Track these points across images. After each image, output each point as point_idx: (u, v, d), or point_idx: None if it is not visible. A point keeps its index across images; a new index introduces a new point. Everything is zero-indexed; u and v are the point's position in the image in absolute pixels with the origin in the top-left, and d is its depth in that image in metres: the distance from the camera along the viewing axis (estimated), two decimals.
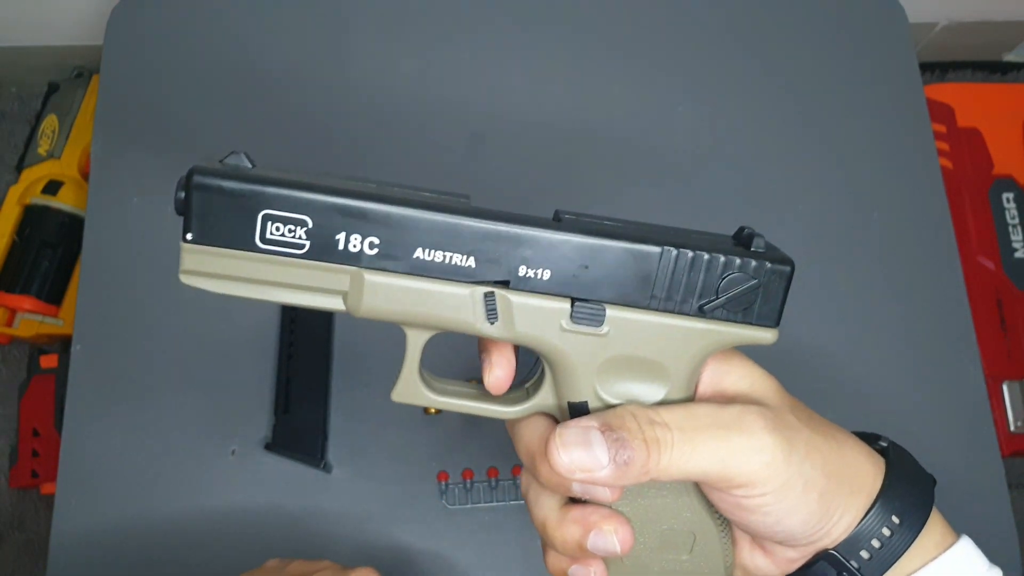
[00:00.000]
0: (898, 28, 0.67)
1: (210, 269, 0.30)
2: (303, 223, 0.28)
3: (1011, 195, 0.90)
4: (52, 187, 0.85)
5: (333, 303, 0.29)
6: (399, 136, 0.62)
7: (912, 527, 0.31)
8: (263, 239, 0.28)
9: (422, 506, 0.53)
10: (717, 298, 0.29)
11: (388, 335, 0.57)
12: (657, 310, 0.30)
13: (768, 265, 0.29)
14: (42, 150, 0.89)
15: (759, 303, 0.30)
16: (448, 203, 0.29)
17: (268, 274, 0.29)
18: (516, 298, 0.29)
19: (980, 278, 0.88)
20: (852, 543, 0.31)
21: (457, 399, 0.33)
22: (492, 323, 0.29)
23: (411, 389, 0.32)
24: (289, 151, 0.61)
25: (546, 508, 0.31)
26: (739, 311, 0.30)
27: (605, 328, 0.29)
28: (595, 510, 0.30)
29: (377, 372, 0.56)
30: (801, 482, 0.29)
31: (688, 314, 0.30)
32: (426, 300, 0.29)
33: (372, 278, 0.28)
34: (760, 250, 0.30)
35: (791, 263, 0.30)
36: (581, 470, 0.28)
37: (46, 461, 0.83)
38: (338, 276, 0.28)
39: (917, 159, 0.63)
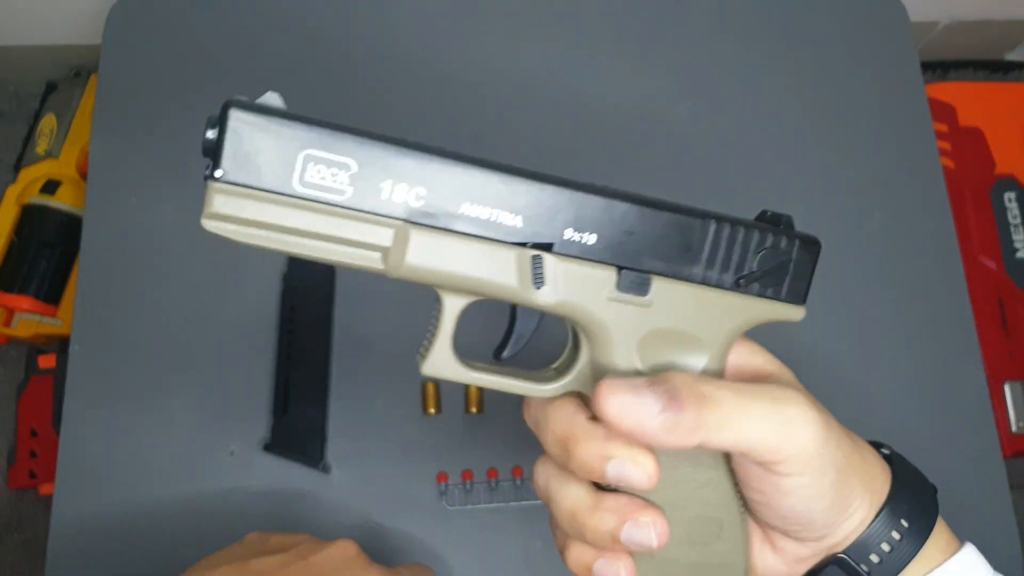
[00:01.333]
0: (900, 27, 0.67)
1: (238, 213, 0.26)
2: (347, 167, 0.26)
3: (1013, 195, 0.90)
4: (50, 186, 0.85)
5: (370, 260, 0.27)
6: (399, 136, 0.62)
7: (920, 532, 0.31)
8: (302, 181, 0.26)
9: (421, 507, 0.53)
10: (754, 272, 0.30)
11: (389, 335, 0.57)
12: (698, 282, 0.30)
13: (797, 242, 0.30)
14: (40, 149, 0.88)
15: (789, 279, 0.30)
16: (496, 161, 0.28)
17: (303, 222, 0.26)
18: (563, 263, 0.28)
19: (982, 278, 0.87)
20: (862, 546, 0.30)
21: (490, 375, 0.30)
22: (539, 288, 0.28)
23: (444, 361, 0.30)
24: None
25: (574, 496, 0.30)
26: (771, 287, 0.30)
27: (649, 298, 0.29)
28: (631, 500, 0.29)
29: (377, 373, 0.56)
30: (834, 468, 0.29)
31: (726, 288, 0.30)
32: (471, 260, 0.28)
33: (417, 233, 0.27)
34: (785, 222, 0.31)
35: (818, 241, 0.31)
36: (631, 418, 0.27)
37: (44, 461, 0.83)
38: (380, 229, 0.27)
39: (919, 158, 0.63)
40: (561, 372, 0.31)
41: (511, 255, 0.28)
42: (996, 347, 0.85)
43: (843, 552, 0.31)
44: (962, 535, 0.33)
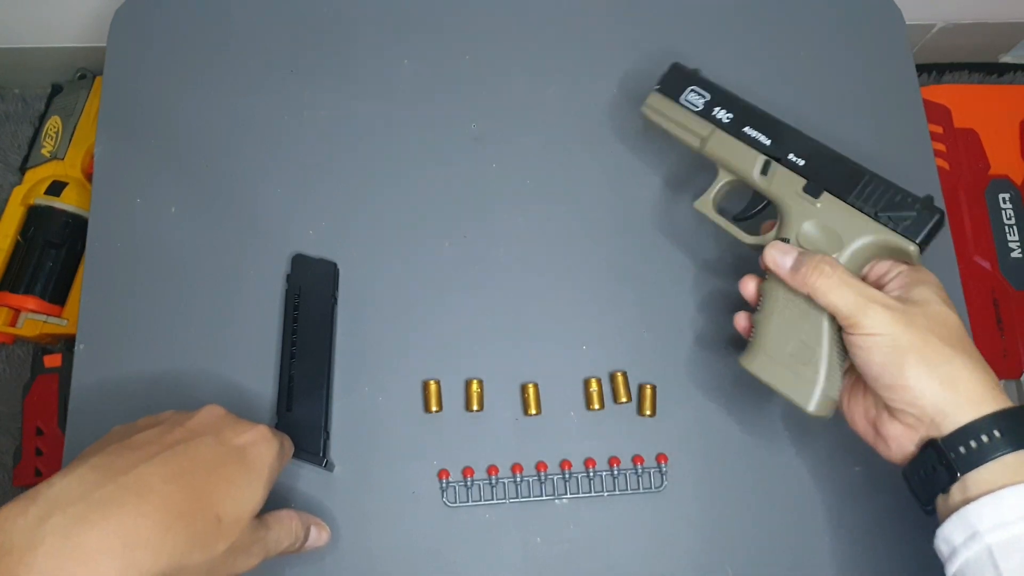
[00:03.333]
0: (895, 29, 0.68)
1: (656, 106, 0.55)
2: (703, 96, 0.54)
3: (1007, 195, 0.91)
4: (56, 188, 0.85)
5: (696, 141, 0.54)
6: (399, 136, 0.63)
7: (1012, 443, 0.41)
8: (684, 99, 0.54)
9: (422, 504, 0.54)
10: (889, 211, 0.48)
11: (390, 334, 0.58)
12: (851, 205, 0.49)
13: (919, 206, 0.48)
14: (46, 151, 0.89)
15: (908, 223, 0.48)
16: (766, 112, 0.53)
17: (676, 115, 0.54)
18: (781, 169, 0.51)
19: (976, 278, 0.88)
20: (957, 437, 0.42)
21: (731, 223, 0.54)
22: (763, 175, 0.51)
23: (706, 206, 0.55)
24: (290, 151, 0.62)
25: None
26: (897, 223, 0.48)
27: (819, 204, 0.50)
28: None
29: (379, 371, 0.57)
30: (913, 351, 0.43)
31: (867, 214, 0.48)
32: (739, 153, 0.52)
33: (720, 132, 0.53)
34: (924, 196, 0.48)
35: (938, 209, 0.48)
36: (773, 262, 0.49)
37: (50, 460, 0.84)
38: (706, 126, 0.53)
39: (914, 160, 0.64)
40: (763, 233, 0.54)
41: (759, 158, 0.52)
42: (991, 346, 0.85)
43: (940, 439, 0.42)
44: None
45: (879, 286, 0.48)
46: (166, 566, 0.37)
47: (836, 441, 0.55)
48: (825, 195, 0.49)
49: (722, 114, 0.52)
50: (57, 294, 0.85)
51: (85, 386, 0.56)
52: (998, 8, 0.97)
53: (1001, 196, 0.91)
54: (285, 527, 0.46)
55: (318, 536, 0.49)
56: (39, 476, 0.84)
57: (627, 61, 0.66)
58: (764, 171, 0.51)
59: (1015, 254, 0.89)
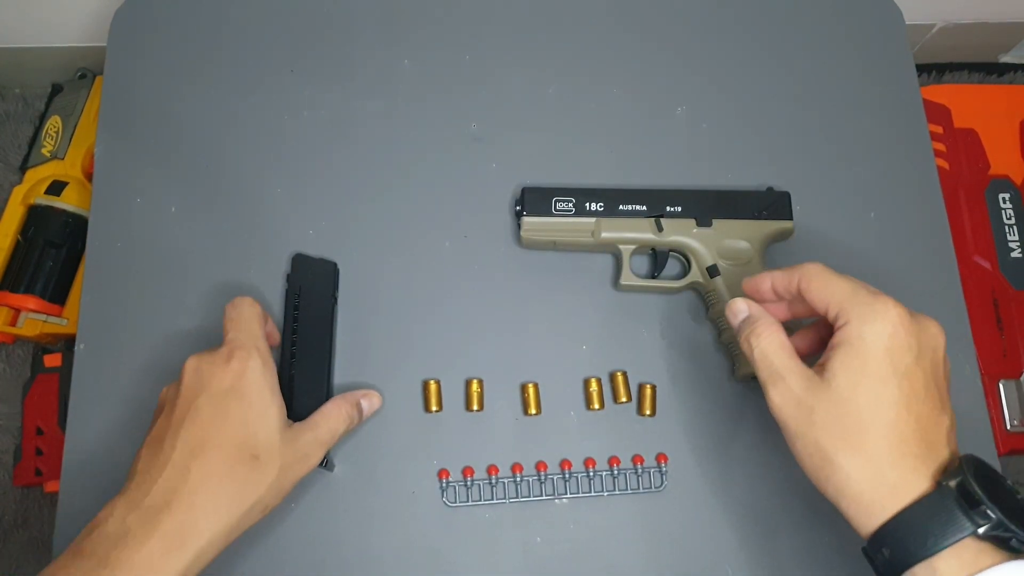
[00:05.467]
0: (895, 29, 0.68)
1: (533, 227, 0.58)
2: (571, 199, 0.58)
3: (1007, 195, 0.91)
4: (56, 187, 0.85)
5: (587, 237, 0.57)
6: (399, 136, 0.63)
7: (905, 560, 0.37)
8: (556, 210, 0.57)
9: (422, 503, 0.54)
10: (762, 209, 0.58)
11: (388, 335, 0.58)
12: (739, 218, 0.57)
13: (776, 195, 0.58)
14: (46, 151, 0.89)
15: (778, 210, 0.58)
16: (631, 187, 0.58)
17: (557, 226, 0.57)
18: (668, 221, 0.57)
19: (976, 278, 0.88)
20: (872, 545, 0.39)
21: (646, 281, 0.58)
22: (661, 232, 0.57)
23: (629, 279, 0.57)
24: (290, 151, 0.62)
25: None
26: (771, 215, 0.57)
27: (713, 229, 0.57)
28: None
29: (379, 371, 0.57)
30: (806, 460, 0.42)
31: (750, 218, 0.57)
32: (630, 226, 0.57)
33: (604, 220, 0.57)
34: (767, 188, 0.59)
35: (787, 193, 0.59)
36: (734, 314, 0.48)
37: (50, 459, 0.84)
38: (588, 222, 0.57)
39: (914, 160, 0.64)
40: (684, 275, 0.59)
41: (648, 221, 0.57)
42: (991, 346, 0.85)
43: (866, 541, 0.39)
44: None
45: (825, 336, 0.46)
46: (226, 525, 0.43)
47: None
48: (715, 221, 0.57)
49: (595, 206, 0.57)
50: (57, 294, 0.85)
51: (85, 386, 0.56)
52: (998, 8, 0.97)
53: (1001, 196, 0.91)
54: (334, 418, 0.50)
55: (370, 405, 0.53)
56: (39, 475, 0.84)
57: (627, 61, 0.66)
58: (659, 229, 0.56)
59: (1015, 254, 0.89)
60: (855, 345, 0.40)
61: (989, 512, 0.35)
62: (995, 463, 0.57)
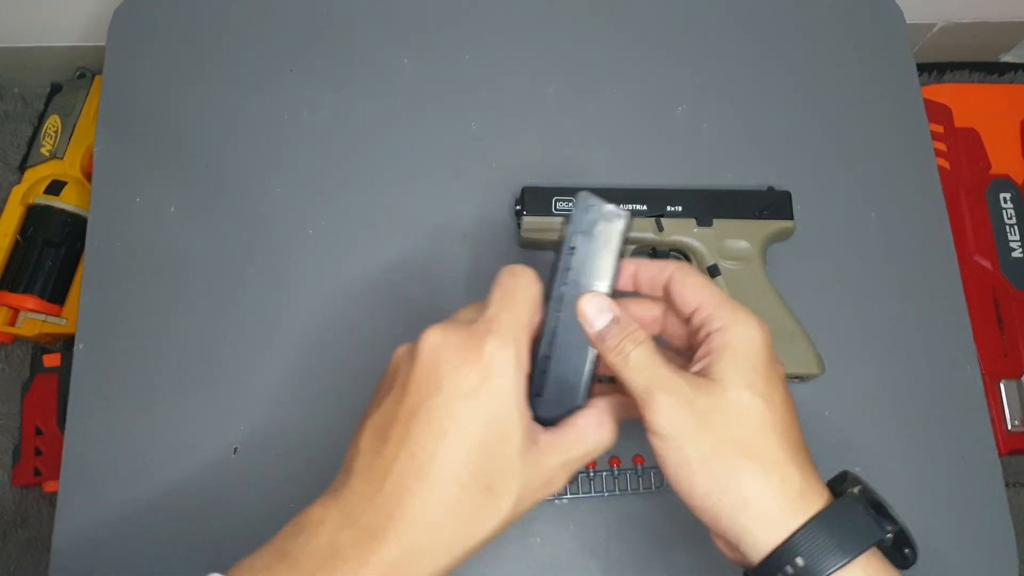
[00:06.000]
0: (896, 29, 0.68)
1: (533, 227, 0.57)
2: (570, 199, 0.56)
3: (1008, 195, 0.91)
4: (55, 187, 0.85)
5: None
6: (399, 136, 0.63)
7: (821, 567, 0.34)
8: (555, 209, 0.57)
9: None
10: (763, 208, 0.57)
11: (389, 335, 0.58)
12: (739, 217, 0.57)
13: (775, 196, 0.58)
14: (45, 150, 0.89)
15: (779, 209, 0.58)
16: (637, 187, 0.58)
17: (556, 225, 0.56)
18: (669, 220, 0.57)
19: (977, 277, 0.88)
20: (763, 571, 0.35)
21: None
22: (659, 232, 0.56)
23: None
24: (290, 151, 0.62)
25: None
26: (772, 214, 0.57)
27: (714, 229, 0.57)
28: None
29: (381, 371, 0.57)
30: (701, 472, 0.36)
31: (751, 218, 0.57)
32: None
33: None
34: (768, 188, 0.59)
35: (788, 193, 0.58)
36: (583, 318, 0.39)
37: (49, 459, 0.84)
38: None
39: (915, 159, 0.64)
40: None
41: (648, 221, 0.57)
42: (991, 346, 0.85)
43: (750, 572, 0.35)
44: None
45: (695, 341, 0.39)
46: (445, 566, 0.36)
47: (835, 440, 0.55)
48: (716, 220, 0.57)
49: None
50: (56, 293, 0.85)
51: (84, 386, 0.56)
52: (998, 7, 0.97)
53: (1002, 196, 0.91)
54: (592, 440, 0.39)
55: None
56: (38, 476, 0.84)
57: (627, 61, 0.65)
58: (659, 229, 0.56)
59: (1016, 254, 0.89)
60: (742, 347, 0.36)
61: (895, 517, 0.35)
62: (996, 464, 0.57)
